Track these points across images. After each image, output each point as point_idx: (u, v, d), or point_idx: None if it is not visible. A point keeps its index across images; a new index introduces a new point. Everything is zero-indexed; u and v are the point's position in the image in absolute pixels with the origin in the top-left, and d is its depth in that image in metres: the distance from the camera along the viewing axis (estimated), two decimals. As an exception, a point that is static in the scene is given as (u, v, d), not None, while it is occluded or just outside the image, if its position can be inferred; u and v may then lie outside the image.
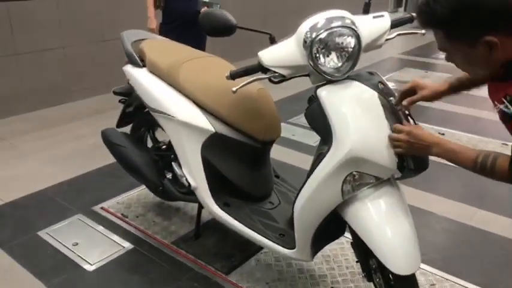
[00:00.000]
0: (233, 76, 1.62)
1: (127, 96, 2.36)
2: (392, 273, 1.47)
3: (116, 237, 2.29)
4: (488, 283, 1.99)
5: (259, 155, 1.99)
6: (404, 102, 1.49)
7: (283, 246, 1.78)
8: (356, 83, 1.50)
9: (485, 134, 3.66)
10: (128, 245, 2.23)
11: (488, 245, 2.24)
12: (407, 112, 1.51)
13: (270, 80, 1.61)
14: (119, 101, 2.42)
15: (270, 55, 1.55)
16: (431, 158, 1.42)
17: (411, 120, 1.52)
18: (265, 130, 1.90)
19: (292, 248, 1.75)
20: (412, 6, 8.95)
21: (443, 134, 3.58)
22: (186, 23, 3.44)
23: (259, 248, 2.17)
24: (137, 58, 2.15)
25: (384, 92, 1.51)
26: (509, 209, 2.44)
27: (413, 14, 1.75)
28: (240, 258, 2.11)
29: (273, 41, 1.63)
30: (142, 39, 2.26)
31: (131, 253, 2.18)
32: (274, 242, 1.80)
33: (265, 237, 1.82)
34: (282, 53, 1.54)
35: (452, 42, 1.14)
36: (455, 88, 1.48)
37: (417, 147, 1.37)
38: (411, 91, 1.52)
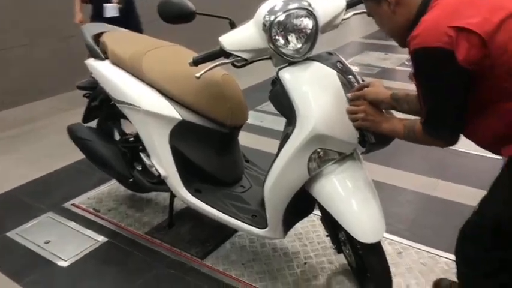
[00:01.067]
0: (196, 62, 1.65)
1: (91, 90, 2.34)
2: (360, 243, 1.55)
3: (89, 232, 2.29)
4: (452, 248, 2.09)
5: (228, 140, 2.03)
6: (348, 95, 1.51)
7: (256, 227, 1.83)
8: (316, 63, 1.55)
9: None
10: (102, 239, 2.23)
11: (451, 213, 2.36)
12: None
13: (233, 64, 1.65)
14: (84, 96, 2.40)
15: (231, 39, 1.58)
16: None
17: None
18: (232, 115, 1.93)
19: (265, 227, 1.80)
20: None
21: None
22: (114, 17, 3.45)
23: (233, 231, 2.21)
24: (99, 51, 2.14)
25: (342, 71, 1.57)
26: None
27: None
28: (214, 243, 2.14)
29: (233, 25, 1.67)
30: (103, 32, 2.25)
31: (106, 246, 2.18)
32: (247, 223, 1.85)
33: (238, 219, 1.87)
34: (242, 37, 1.57)
35: (368, 3, 1.34)
36: (397, 101, 1.47)
37: (370, 121, 1.45)
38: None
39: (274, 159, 1.66)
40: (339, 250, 1.84)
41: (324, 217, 1.81)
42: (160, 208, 2.46)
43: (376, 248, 1.55)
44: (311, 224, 2.25)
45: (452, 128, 1.28)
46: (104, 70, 2.07)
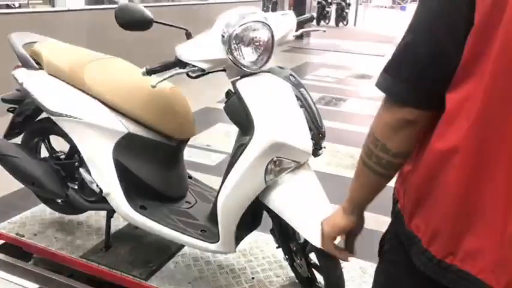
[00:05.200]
0: (149, 72, 1.61)
1: (17, 104, 2.16)
2: (315, 248, 1.59)
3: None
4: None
5: (174, 154, 1.99)
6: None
7: (206, 241, 1.79)
8: (270, 75, 1.61)
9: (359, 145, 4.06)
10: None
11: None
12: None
13: (187, 75, 1.64)
14: (8, 110, 2.21)
15: (188, 49, 1.58)
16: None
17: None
18: (180, 128, 1.90)
19: (216, 241, 1.77)
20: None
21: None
22: None
23: (175, 251, 2.14)
24: (32, 61, 2.00)
25: (294, 84, 1.64)
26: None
27: (313, 14, 1.95)
28: (157, 263, 2.05)
29: (189, 36, 1.67)
30: (34, 42, 2.11)
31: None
32: (197, 238, 1.81)
33: (187, 234, 1.82)
34: (200, 47, 1.58)
35: None
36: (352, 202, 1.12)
37: (335, 230, 1.17)
38: None
39: (227, 171, 1.66)
40: (291, 261, 1.86)
41: (276, 228, 1.83)
42: (93, 230, 2.30)
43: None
44: (253, 240, 2.25)
45: (421, 73, 0.84)
46: (38, 81, 1.94)
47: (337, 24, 15.16)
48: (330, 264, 1.60)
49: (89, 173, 1.92)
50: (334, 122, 4.50)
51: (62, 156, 2.21)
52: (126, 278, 1.96)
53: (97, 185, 1.89)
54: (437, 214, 0.86)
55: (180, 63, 1.60)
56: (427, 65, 0.83)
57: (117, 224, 2.25)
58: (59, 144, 2.22)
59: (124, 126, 1.82)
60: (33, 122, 2.20)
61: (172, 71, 1.60)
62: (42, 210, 2.44)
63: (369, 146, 0.96)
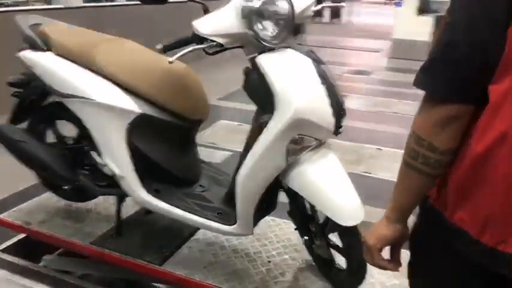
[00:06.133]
0: (166, 49, 1.57)
1: (23, 88, 2.10)
2: (339, 228, 1.56)
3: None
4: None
5: (188, 136, 1.95)
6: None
7: (223, 224, 1.76)
8: (291, 50, 1.57)
9: (360, 141, 4.05)
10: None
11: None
12: None
13: (205, 51, 1.60)
14: (12, 94, 2.14)
15: (207, 24, 1.54)
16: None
17: None
18: (195, 109, 1.86)
19: (233, 223, 1.74)
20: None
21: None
22: None
23: (188, 236, 2.10)
24: (40, 42, 1.94)
25: (315, 60, 1.60)
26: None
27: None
28: (170, 248, 2.00)
29: (206, 11, 1.63)
30: (39, 24, 2.05)
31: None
32: (214, 220, 1.77)
33: (203, 217, 1.78)
34: (220, 21, 1.53)
35: None
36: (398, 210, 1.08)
37: (382, 241, 1.09)
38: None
39: (246, 151, 1.63)
40: (310, 242, 1.83)
41: (294, 209, 1.80)
42: (102, 217, 2.25)
43: (356, 232, 1.57)
44: (267, 225, 2.22)
45: (465, 71, 0.85)
46: (47, 62, 1.88)
47: (331, 21, 15.19)
48: (353, 243, 1.58)
49: (101, 156, 1.87)
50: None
51: (70, 142, 2.15)
52: (140, 264, 1.92)
53: (109, 169, 1.84)
54: (487, 205, 0.87)
55: (197, 39, 1.56)
56: (470, 63, 0.84)
57: (127, 210, 2.20)
58: (66, 131, 2.17)
59: (138, 107, 1.77)
60: (38, 107, 2.15)
61: (190, 47, 1.56)
62: (48, 199, 2.38)
63: (413, 148, 0.94)
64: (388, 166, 3.46)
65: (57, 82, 1.85)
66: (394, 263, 1.13)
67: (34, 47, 1.95)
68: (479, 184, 0.87)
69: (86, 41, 1.89)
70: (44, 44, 1.94)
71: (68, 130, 2.13)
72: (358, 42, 10.88)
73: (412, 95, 5.87)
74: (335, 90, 1.58)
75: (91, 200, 2.31)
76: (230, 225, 1.74)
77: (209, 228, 1.80)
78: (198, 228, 2.14)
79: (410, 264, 1.13)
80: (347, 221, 1.51)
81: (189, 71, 1.87)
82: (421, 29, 8.31)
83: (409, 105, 5.34)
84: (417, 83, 0.92)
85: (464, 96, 0.87)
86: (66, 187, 2.23)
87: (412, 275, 1.14)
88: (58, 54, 1.89)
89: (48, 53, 1.91)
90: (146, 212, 2.26)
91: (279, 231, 2.17)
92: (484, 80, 0.84)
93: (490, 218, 0.87)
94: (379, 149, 3.93)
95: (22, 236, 2.27)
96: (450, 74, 0.87)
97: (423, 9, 8.39)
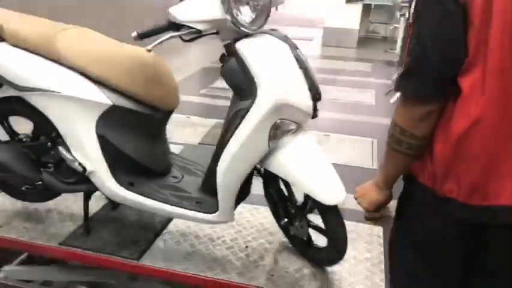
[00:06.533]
0: (141, 36, 1.53)
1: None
2: (321, 207, 1.62)
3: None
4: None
5: (160, 127, 1.91)
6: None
7: (204, 213, 1.75)
8: (268, 36, 1.60)
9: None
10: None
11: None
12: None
13: (181, 38, 1.58)
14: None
15: (184, 10, 1.52)
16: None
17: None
18: (166, 98, 1.83)
19: (214, 211, 1.74)
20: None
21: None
22: None
23: (161, 228, 2.06)
24: (-11, 31, 1.79)
25: (291, 45, 1.63)
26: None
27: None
28: (145, 242, 1.96)
29: (181, -3, 1.60)
30: None
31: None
32: (193, 210, 1.76)
33: (182, 207, 1.77)
34: (198, 8, 1.52)
35: None
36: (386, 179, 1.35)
37: (375, 203, 1.36)
38: None
39: (224, 140, 1.63)
40: (288, 224, 1.86)
41: (269, 193, 1.84)
42: (65, 216, 2.14)
43: (337, 210, 1.64)
44: (238, 212, 2.19)
45: (438, 76, 1.06)
46: (2, 54, 1.74)
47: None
48: (335, 221, 1.65)
49: (69, 151, 1.78)
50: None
51: (25, 139, 2.02)
52: (117, 261, 1.86)
53: (79, 164, 1.75)
54: (471, 175, 1.10)
55: (173, 26, 1.53)
56: (442, 68, 1.05)
57: (91, 207, 2.11)
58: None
59: (108, 98, 1.70)
60: None
61: (167, 35, 1.53)
62: (1, 202, 2.22)
63: (398, 137, 1.17)
64: (339, 150, 3.63)
65: (16, 75, 1.72)
66: (381, 219, 1.42)
67: (-16, 37, 1.80)
68: (463, 160, 1.09)
69: (44, 30, 1.77)
70: (-7, 35, 1.79)
71: (18, 127, 2.00)
72: (291, 31, 11.07)
73: (345, 82, 6.15)
74: (310, 74, 1.62)
75: (49, 200, 2.19)
76: (211, 213, 1.74)
77: (189, 218, 1.79)
78: (170, 221, 2.12)
79: (395, 229, 1.36)
80: (328, 200, 1.57)
81: (158, 59, 1.83)
82: (350, 17, 8.67)
83: (344, 91, 5.57)
84: (399, 88, 1.14)
85: (438, 94, 1.08)
86: (23, 188, 2.10)
87: (395, 241, 1.37)
88: (13, 45, 1.76)
89: (2, 44, 1.77)
90: (112, 208, 2.19)
91: (251, 217, 2.20)
92: (451, 78, 1.05)
93: (474, 185, 1.11)
94: (327, 135, 4.06)
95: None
96: (426, 80, 1.07)
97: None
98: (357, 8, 8.71)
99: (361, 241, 2.06)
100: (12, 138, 2.02)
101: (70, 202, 2.23)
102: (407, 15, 7.49)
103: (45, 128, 1.93)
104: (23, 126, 2.01)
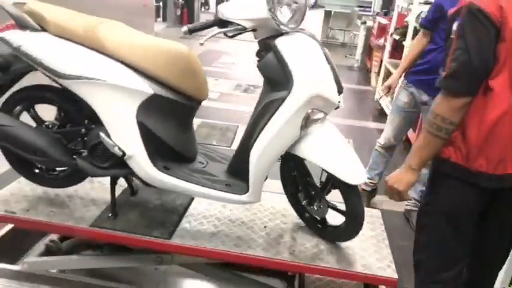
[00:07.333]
0: (191, 31, 1.69)
1: (1, 72, 1.99)
2: (343, 186, 1.84)
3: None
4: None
5: (191, 115, 2.05)
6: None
7: (235, 194, 1.92)
8: (302, 34, 1.80)
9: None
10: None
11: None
12: None
13: (225, 33, 1.75)
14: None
15: (232, 9, 1.69)
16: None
17: None
18: (200, 89, 1.97)
19: (244, 193, 1.92)
20: None
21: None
22: None
23: (183, 211, 2.21)
24: (32, 21, 1.87)
25: (319, 43, 1.85)
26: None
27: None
28: (172, 224, 2.09)
29: (227, -4, 1.77)
30: (23, 3, 1.96)
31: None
32: (225, 191, 1.93)
33: (215, 189, 1.93)
34: (245, 7, 1.70)
35: None
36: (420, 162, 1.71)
37: (409, 185, 1.71)
38: None
39: (255, 127, 1.81)
40: (308, 205, 2.06)
41: (286, 177, 2.05)
42: (88, 202, 2.23)
43: (357, 190, 1.86)
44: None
45: (476, 78, 1.48)
46: (47, 43, 1.83)
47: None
48: (356, 199, 1.87)
49: (109, 137, 1.88)
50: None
51: (50, 126, 2.10)
52: (149, 240, 1.98)
53: (119, 149, 1.87)
54: (498, 152, 1.55)
55: (221, 23, 1.70)
56: (480, 72, 1.49)
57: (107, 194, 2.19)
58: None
59: (149, 87, 1.83)
60: (6, 91, 2.05)
61: (215, 30, 1.70)
62: (19, 188, 2.27)
63: (438, 124, 1.55)
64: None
65: (60, 64, 1.81)
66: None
67: (26, 26, 1.87)
68: (494, 141, 1.54)
69: (88, 21, 1.87)
70: (36, 24, 1.87)
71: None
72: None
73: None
74: (335, 69, 1.84)
75: (70, 186, 2.26)
76: (242, 194, 1.92)
77: (221, 199, 1.95)
78: (190, 204, 2.27)
79: (425, 204, 1.67)
80: (353, 180, 1.79)
81: (191, 53, 1.97)
82: (312, 23, 9.05)
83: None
84: (446, 86, 1.53)
85: (474, 91, 1.51)
86: (49, 174, 2.17)
87: (426, 213, 1.70)
88: (57, 35, 1.85)
89: (46, 34, 1.85)
90: (131, 193, 2.30)
91: (263, 201, 2.37)
92: (483, 79, 1.49)
93: (500, 159, 1.57)
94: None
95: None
96: (467, 80, 1.49)
97: (314, 4, 9.12)
98: (319, 13, 9.11)
99: (364, 222, 2.30)
100: (40, 125, 2.08)
101: (87, 188, 2.32)
102: (367, 24, 7.96)
103: (75, 115, 2.03)
104: (25, 118, 2.09)
